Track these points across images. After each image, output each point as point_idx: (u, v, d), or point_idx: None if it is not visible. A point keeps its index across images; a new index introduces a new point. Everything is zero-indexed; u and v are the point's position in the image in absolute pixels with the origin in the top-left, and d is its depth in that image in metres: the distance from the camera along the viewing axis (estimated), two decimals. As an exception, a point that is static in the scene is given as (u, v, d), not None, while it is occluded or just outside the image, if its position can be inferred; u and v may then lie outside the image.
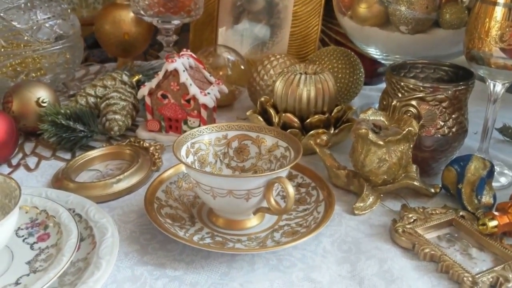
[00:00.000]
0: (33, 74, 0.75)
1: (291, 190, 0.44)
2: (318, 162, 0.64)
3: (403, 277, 0.44)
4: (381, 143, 0.52)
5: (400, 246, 0.49)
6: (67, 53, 0.78)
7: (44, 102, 0.67)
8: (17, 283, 0.40)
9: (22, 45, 0.73)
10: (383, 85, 0.94)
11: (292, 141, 0.51)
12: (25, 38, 0.73)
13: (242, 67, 0.80)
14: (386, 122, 0.56)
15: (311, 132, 0.62)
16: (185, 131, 0.56)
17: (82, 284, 0.40)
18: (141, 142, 0.66)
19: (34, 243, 0.45)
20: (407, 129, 0.53)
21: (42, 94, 0.68)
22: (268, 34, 0.90)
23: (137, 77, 0.79)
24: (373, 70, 0.92)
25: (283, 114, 0.64)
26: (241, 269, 0.45)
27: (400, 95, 0.58)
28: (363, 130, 0.52)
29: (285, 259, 0.47)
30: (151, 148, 0.64)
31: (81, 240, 0.46)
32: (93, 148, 0.65)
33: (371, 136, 0.52)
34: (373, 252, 0.48)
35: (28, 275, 0.41)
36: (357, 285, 0.44)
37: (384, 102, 0.61)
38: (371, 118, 0.56)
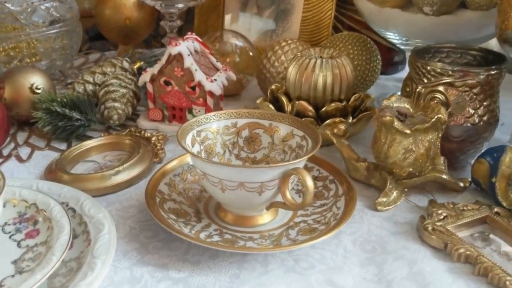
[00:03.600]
0: (28, 60, 0.70)
1: (310, 183, 0.39)
2: (334, 154, 0.59)
3: (436, 281, 0.39)
4: (408, 131, 0.47)
5: (430, 246, 0.44)
6: (64, 38, 0.73)
7: (38, 89, 0.62)
8: (0, 286, 0.36)
9: (15, 28, 0.68)
10: (399, 75, 0.90)
11: (309, 129, 0.46)
12: (19, 20, 0.68)
13: (251, 53, 0.75)
14: (412, 110, 0.51)
15: (327, 121, 0.57)
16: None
17: (73, 287, 0.35)
18: (143, 132, 0.61)
19: (22, 240, 0.41)
20: (436, 117, 0.48)
21: (36, 80, 0.63)
22: (278, 20, 0.85)
23: (138, 64, 0.75)
24: (389, 59, 0.87)
25: (297, 102, 0.59)
26: (253, 271, 0.40)
27: (426, 80, 0.53)
28: (388, 118, 0.47)
29: (302, 259, 0.42)
30: (153, 138, 0.59)
31: (74, 237, 0.41)
32: (90, 138, 0.60)
33: (397, 124, 0.47)
34: (400, 252, 0.43)
35: (13, 276, 0.37)
36: (385, 289, 0.39)
37: (408, 89, 0.56)
38: (395, 105, 0.51)
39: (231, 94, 0.76)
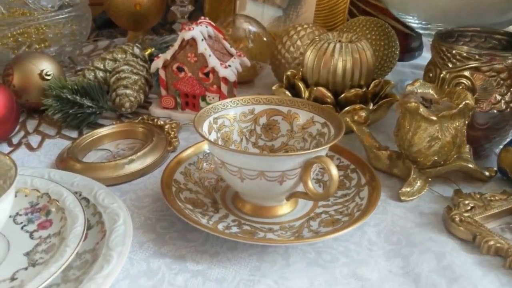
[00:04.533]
0: (36, 46, 0.68)
1: (335, 172, 0.37)
2: (353, 143, 0.57)
3: (466, 274, 0.37)
4: (434, 118, 0.45)
5: (458, 238, 0.42)
6: (74, 23, 0.71)
7: (48, 75, 0.60)
8: (12, 279, 0.34)
9: (24, 13, 0.66)
10: (416, 62, 0.88)
11: (330, 115, 0.44)
12: (28, 5, 0.66)
13: (265, 39, 0.73)
14: (436, 96, 0.49)
15: (347, 108, 0.55)
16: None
17: (89, 280, 0.33)
18: (156, 120, 0.59)
19: (34, 231, 0.39)
20: (463, 103, 0.45)
21: (46, 66, 0.61)
22: (292, 5, 0.83)
23: (149, 51, 0.73)
24: (405, 45, 0.85)
25: (315, 88, 0.57)
26: (274, 263, 0.39)
27: (450, 65, 0.51)
28: (413, 104, 0.45)
29: (325, 252, 0.40)
30: (167, 126, 0.58)
31: (89, 228, 0.40)
32: (102, 126, 0.59)
33: (422, 110, 0.45)
34: (427, 244, 0.41)
35: (26, 268, 0.35)
36: (412, 283, 0.37)
37: (430, 75, 0.54)
38: (419, 90, 0.49)
39: (245, 81, 0.74)
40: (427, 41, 0.88)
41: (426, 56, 0.88)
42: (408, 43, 0.85)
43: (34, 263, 0.36)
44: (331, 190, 0.38)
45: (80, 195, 0.43)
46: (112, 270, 0.34)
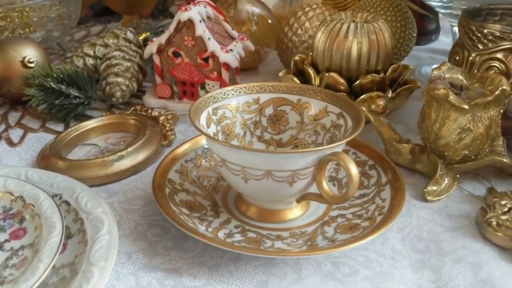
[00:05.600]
0: (20, 31, 0.62)
1: (354, 171, 0.32)
2: (369, 135, 0.51)
3: (509, 290, 0.32)
4: (466, 107, 0.39)
5: (496, 245, 0.36)
6: (61, 5, 0.65)
7: (31, 62, 0.55)
8: (-25, 301, 0.29)
9: (5, -5, 0.60)
10: (432, 45, 0.81)
11: (347, 105, 0.39)
12: (9, -14, 0.60)
13: (270, 21, 0.67)
14: (465, 81, 0.43)
15: (363, 96, 0.49)
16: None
17: (65, 303, 0.28)
18: (149, 111, 0.53)
19: (6, 241, 0.34)
20: (499, 89, 0.39)
21: (29, 52, 0.56)
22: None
23: (144, 35, 0.67)
24: (421, 28, 0.78)
25: (326, 74, 0.51)
26: (284, 277, 0.33)
27: (481, 46, 0.45)
28: (442, 91, 0.39)
29: (342, 263, 0.34)
30: (162, 118, 0.52)
31: (68, 237, 0.34)
32: (91, 118, 0.53)
33: (453, 98, 0.39)
34: (460, 253, 0.35)
35: (-8, 287, 0.30)
36: (447, 301, 0.31)
37: (457, 58, 0.48)
38: (446, 75, 0.43)
39: (248, 68, 0.68)
40: (444, 24, 0.82)
41: (443, 39, 0.82)
42: (424, 25, 0.79)
43: (2, 281, 0.31)
44: (350, 192, 0.32)
45: (60, 198, 0.38)
46: (92, 291, 0.29)
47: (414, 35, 0.66)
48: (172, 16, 0.83)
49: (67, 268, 0.32)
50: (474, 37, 0.45)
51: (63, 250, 0.33)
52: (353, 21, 0.52)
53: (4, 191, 0.37)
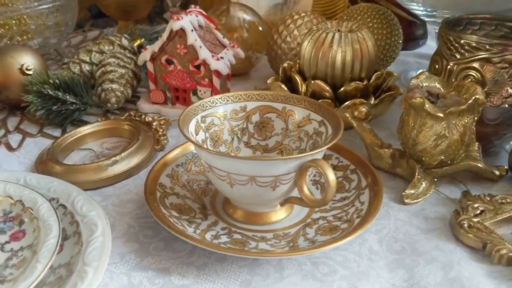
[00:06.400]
0: (18, 38, 0.64)
1: (332, 177, 0.34)
2: (354, 140, 0.53)
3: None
4: (441, 115, 0.41)
5: (467, 246, 0.38)
6: (58, 13, 0.67)
7: (29, 70, 0.57)
8: (-22, 298, 0.31)
9: (4, 4, 0.62)
10: (420, 50, 0.83)
11: (328, 113, 0.41)
12: (8, -5, 0.62)
13: (260, 28, 0.69)
14: (443, 90, 0.45)
15: (347, 103, 0.51)
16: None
17: (61, 300, 0.30)
18: (143, 116, 0.55)
19: (6, 242, 0.36)
20: (473, 98, 0.42)
21: (27, 60, 0.58)
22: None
23: (138, 42, 0.69)
24: (409, 33, 0.81)
25: (312, 82, 0.53)
26: (266, 277, 0.36)
27: (458, 56, 0.47)
28: (418, 99, 0.42)
29: (322, 263, 0.37)
30: (155, 123, 0.54)
31: (65, 239, 0.37)
32: (87, 123, 0.55)
33: (428, 106, 0.42)
34: (433, 253, 0.38)
35: (-7, 286, 0.32)
36: (418, 298, 0.34)
37: (436, 66, 0.50)
38: (424, 84, 0.45)
39: (239, 73, 0.70)
40: (432, 29, 0.84)
41: (430, 44, 0.84)
42: (412, 31, 0.81)
43: (3, 280, 0.33)
44: (329, 196, 0.35)
45: (57, 201, 0.40)
46: (86, 289, 0.31)
47: (400, 41, 0.68)
48: (167, 22, 0.86)
49: (64, 268, 0.34)
50: (452, 47, 0.48)
51: (60, 251, 0.35)
52: (338, 30, 0.54)
53: (4, 195, 0.39)
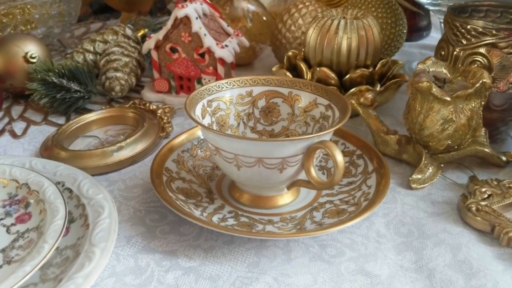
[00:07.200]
0: (22, 27, 0.64)
1: (340, 158, 0.34)
2: (359, 127, 0.53)
3: (485, 269, 0.34)
4: (448, 99, 0.41)
5: (475, 229, 0.38)
6: (61, 3, 0.67)
7: (33, 58, 0.57)
8: (-15, 278, 0.31)
9: (7, -7, 0.62)
10: (423, 41, 0.83)
11: (335, 97, 0.41)
12: (11, -16, 0.62)
13: (265, 18, 0.69)
14: (449, 75, 0.45)
15: (353, 89, 0.51)
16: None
17: (68, 279, 0.30)
18: (148, 105, 0.55)
19: (12, 225, 0.36)
20: (480, 82, 0.41)
21: (31, 48, 0.58)
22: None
23: (142, 32, 0.69)
24: (413, 24, 0.80)
25: (317, 69, 0.53)
26: (274, 258, 0.35)
27: (465, 41, 0.47)
28: (425, 83, 0.41)
29: (329, 245, 0.37)
30: (159, 111, 0.54)
31: (71, 221, 0.36)
32: (91, 111, 0.55)
33: (435, 90, 0.41)
34: (441, 236, 0.37)
35: (0, 266, 0.32)
36: (426, 279, 0.33)
37: (443, 53, 0.50)
38: (431, 69, 0.45)
39: (243, 63, 0.70)
40: (436, 20, 0.84)
41: (434, 36, 0.84)
42: (415, 22, 0.81)
43: (9, 261, 0.33)
44: (337, 178, 0.34)
45: (63, 185, 0.40)
46: (94, 269, 0.31)
47: (405, 31, 0.68)
48: (170, 13, 0.85)
49: (70, 250, 0.34)
50: (458, 33, 0.47)
51: (66, 233, 0.35)
52: (344, 17, 0.54)
53: (10, 179, 0.39)
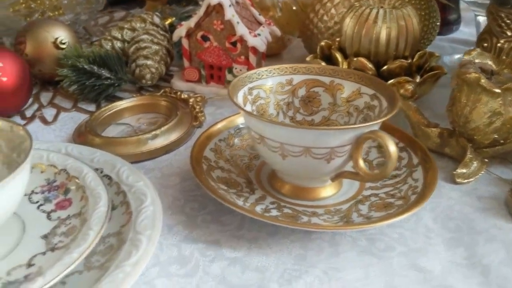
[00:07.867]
0: (50, 13, 0.63)
1: (393, 148, 0.33)
2: (396, 119, 0.51)
3: (541, 267, 0.33)
4: (498, 90, 0.40)
5: (526, 225, 0.37)
6: (89, -11, 0.66)
7: (63, 43, 0.56)
8: (29, 265, 0.30)
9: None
10: (454, 35, 0.82)
11: (381, 86, 0.39)
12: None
13: (294, 8, 0.68)
14: (495, 67, 0.44)
15: (392, 80, 0.50)
16: (229, 82, 0.44)
17: (116, 268, 0.29)
18: (179, 93, 0.54)
19: (52, 211, 0.35)
20: (531, 74, 0.40)
21: (61, 34, 0.57)
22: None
23: (170, 20, 0.67)
24: (443, 18, 0.79)
25: (354, 59, 0.51)
26: (321, 252, 0.34)
27: (509, 33, 0.45)
28: (473, 74, 0.40)
29: (378, 239, 0.35)
30: (191, 100, 0.53)
31: (112, 208, 0.35)
32: (120, 99, 0.54)
33: (484, 81, 0.40)
34: (492, 232, 0.36)
35: (44, 253, 0.31)
36: (481, 276, 0.32)
37: (485, 44, 0.49)
38: (477, 60, 0.44)
39: (272, 54, 0.69)
40: (466, 15, 0.82)
41: (464, 30, 0.82)
42: (445, 15, 0.79)
43: (53, 248, 0.32)
44: (389, 169, 0.33)
45: (101, 172, 0.39)
46: (141, 257, 0.30)
47: (438, 23, 0.66)
48: (196, 3, 0.84)
49: (114, 237, 0.33)
50: (503, 24, 0.46)
51: (109, 220, 0.34)
52: (381, 7, 0.53)
53: (48, 164, 0.38)
